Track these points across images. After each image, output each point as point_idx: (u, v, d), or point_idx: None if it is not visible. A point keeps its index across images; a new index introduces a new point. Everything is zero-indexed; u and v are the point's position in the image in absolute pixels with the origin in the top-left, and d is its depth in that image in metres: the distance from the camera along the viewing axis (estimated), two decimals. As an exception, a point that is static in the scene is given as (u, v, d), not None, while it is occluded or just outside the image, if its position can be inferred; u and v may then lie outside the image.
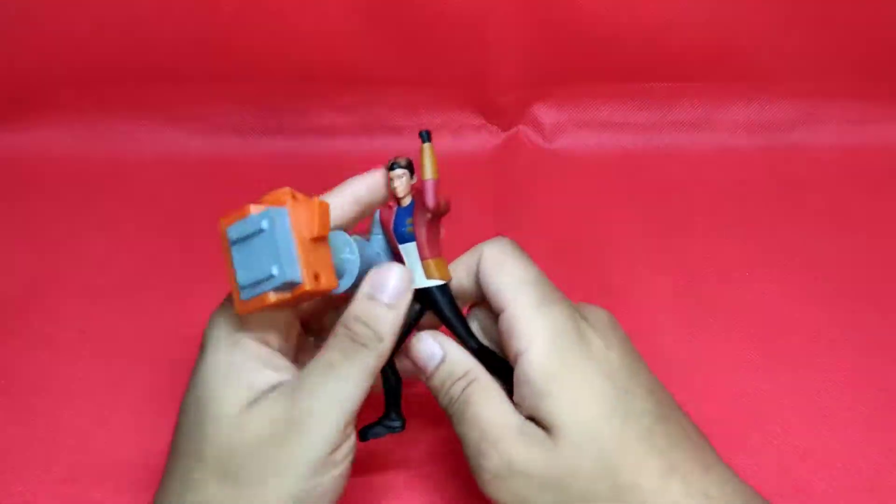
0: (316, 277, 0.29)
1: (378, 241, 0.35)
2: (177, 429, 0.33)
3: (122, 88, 0.59)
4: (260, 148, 0.60)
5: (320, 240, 0.30)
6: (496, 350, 0.35)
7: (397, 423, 0.35)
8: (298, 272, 0.29)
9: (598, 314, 0.34)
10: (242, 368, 0.31)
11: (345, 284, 0.32)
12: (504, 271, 0.33)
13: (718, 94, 0.59)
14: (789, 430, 0.43)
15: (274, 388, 0.31)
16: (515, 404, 0.32)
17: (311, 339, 0.38)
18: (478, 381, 0.33)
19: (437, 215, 0.34)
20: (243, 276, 0.29)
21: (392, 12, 0.55)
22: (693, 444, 0.31)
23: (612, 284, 0.50)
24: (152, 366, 0.46)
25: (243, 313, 0.30)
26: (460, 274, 0.35)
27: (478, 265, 0.34)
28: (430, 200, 0.33)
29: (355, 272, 0.32)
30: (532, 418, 0.31)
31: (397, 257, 0.34)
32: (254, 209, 0.29)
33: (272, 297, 0.28)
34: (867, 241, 0.53)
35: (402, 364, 0.36)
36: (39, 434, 0.43)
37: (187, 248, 0.53)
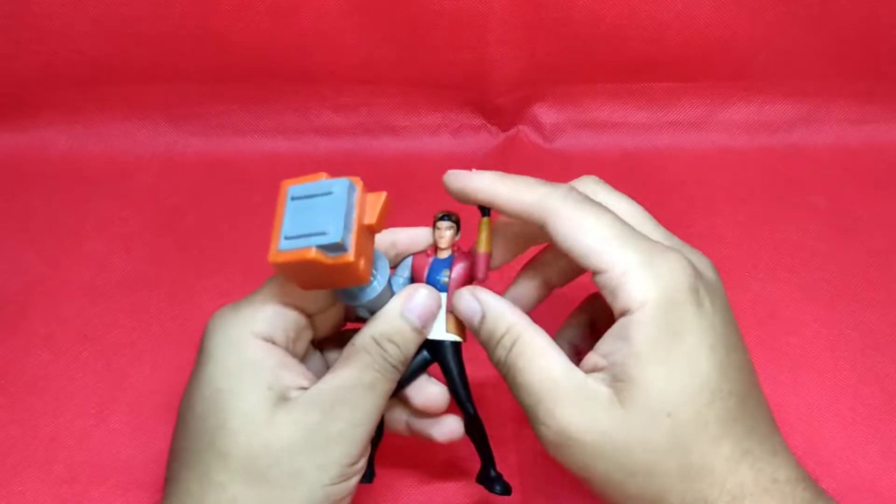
0: (359, 257, 0.29)
1: (398, 284, 0.35)
2: (183, 426, 0.32)
3: (121, 88, 0.59)
4: (260, 148, 0.60)
5: (371, 232, 0.30)
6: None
7: (366, 474, 0.34)
8: (350, 240, 0.28)
9: (707, 266, 0.32)
10: (260, 367, 0.31)
11: (362, 298, 0.32)
12: (590, 229, 0.30)
13: (718, 94, 0.59)
14: (789, 430, 0.43)
15: (297, 391, 0.31)
16: (582, 353, 0.31)
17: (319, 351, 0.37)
18: (522, 339, 0.31)
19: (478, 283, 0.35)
20: (291, 226, 0.29)
21: (392, 12, 0.55)
22: (766, 427, 0.30)
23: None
24: (152, 365, 0.46)
25: (275, 262, 0.29)
26: (515, 208, 0.32)
27: (548, 224, 0.31)
28: (481, 273, 0.34)
29: (372, 296, 0.32)
30: (599, 371, 0.29)
31: None
32: (324, 176, 0.29)
33: (313, 252, 0.28)
34: (867, 241, 0.53)
35: (393, 415, 0.36)
36: (39, 434, 0.43)
37: (187, 247, 0.53)
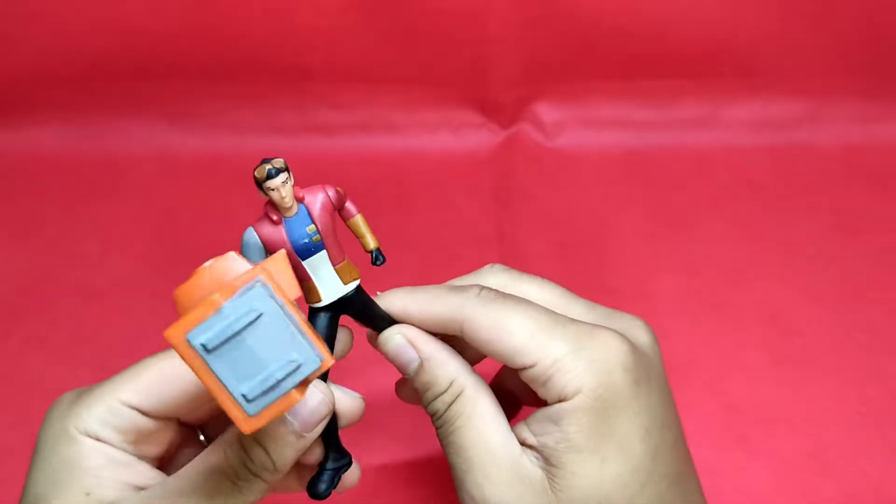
0: (327, 350, 0.24)
1: None
2: None
3: (117, 87, 0.58)
4: (257, 146, 0.60)
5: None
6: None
7: (346, 461, 0.31)
8: (319, 350, 0.23)
9: (641, 330, 0.31)
10: (79, 470, 0.27)
11: None
12: (510, 329, 0.28)
13: (722, 92, 0.59)
14: (793, 430, 0.43)
15: (129, 493, 0.28)
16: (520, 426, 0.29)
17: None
18: (464, 396, 0.29)
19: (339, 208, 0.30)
20: (242, 384, 0.22)
21: (391, 9, 0.55)
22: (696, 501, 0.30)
23: (613, 284, 0.50)
24: (148, 367, 0.46)
25: (255, 431, 0.23)
26: (420, 316, 0.30)
27: (465, 333, 0.29)
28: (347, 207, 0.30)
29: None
30: (530, 448, 0.28)
31: (299, 278, 0.28)
32: (221, 297, 0.22)
33: (297, 395, 0.23)
34: (872, 240, 0.52)
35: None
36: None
37: (183, 246, 0.53)
